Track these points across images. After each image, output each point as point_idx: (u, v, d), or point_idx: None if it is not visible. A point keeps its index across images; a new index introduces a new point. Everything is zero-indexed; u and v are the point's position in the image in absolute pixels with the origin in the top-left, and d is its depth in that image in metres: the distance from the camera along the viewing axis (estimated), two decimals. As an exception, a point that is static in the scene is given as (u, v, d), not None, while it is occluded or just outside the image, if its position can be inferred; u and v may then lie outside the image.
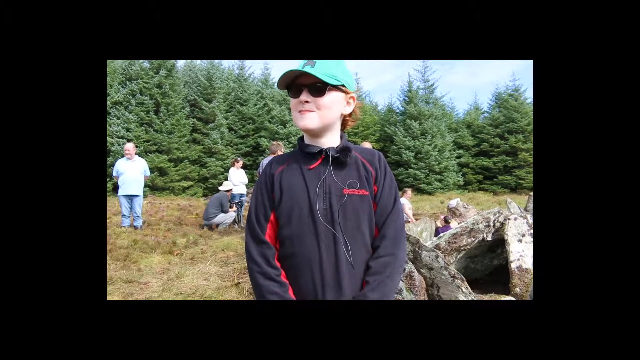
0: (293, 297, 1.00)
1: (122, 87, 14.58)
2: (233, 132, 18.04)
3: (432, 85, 20.49)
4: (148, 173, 7.02)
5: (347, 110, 1.10)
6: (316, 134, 1.07)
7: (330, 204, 1.01)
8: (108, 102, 13.94)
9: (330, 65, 1.02)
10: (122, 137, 13.31)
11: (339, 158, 1.04)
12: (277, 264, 1.04)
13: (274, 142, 6.15)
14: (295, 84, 1.03)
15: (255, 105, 18.74)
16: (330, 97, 1.02)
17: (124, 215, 6.57)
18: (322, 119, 1.03)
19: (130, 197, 6.55)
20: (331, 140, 1.08)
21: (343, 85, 1.04)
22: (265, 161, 5.78)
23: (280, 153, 5.81)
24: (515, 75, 23.20)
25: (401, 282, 2.62)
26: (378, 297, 0.98)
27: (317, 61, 1.01)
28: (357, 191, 1.03)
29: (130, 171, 6.57)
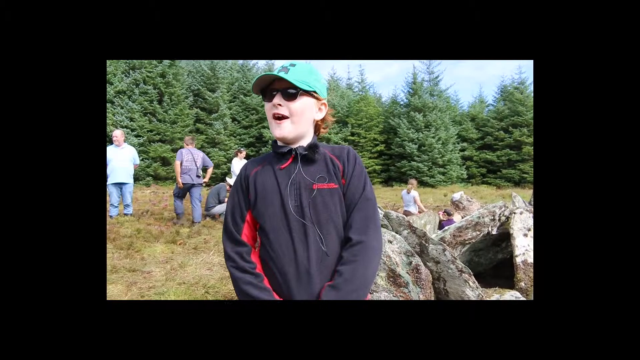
0: (268, 287, 1.05)
1: (126, 76, 14.52)
2: (236, 122, 18.01)
3: (437, 77, 20.33)
4: (137, 161, 6.86)
5: (319, 116, 1.16)
6: (291, 142, 1.12)
7: (301, 199, 1.07)
8: (111, 91, 13.88)
9: (304, 72, 1.08)
10: (125, 127, 13.30)
11: (307, 155, 1.10)
12: (253, 259, 1.09)
13: (189, 136, 6.46)
14: (269, 88, 1.10)
15: (259, 95, 18.63)
16: (302, 102, 1.08)
17: (112, 204, 6.40)
18: (296, 126, 1.09)
19: (120, 185, 6.42)
20: (304, 145, 1.14)
21: (315, 92, 1.10)
22: (182, 151, 6.42)
23: (187, 146, 6.51)
24: (521, 69, 22.81)
25: (407, 275, 2.60)
26: (350, 288, 0.99)
27: (291, 68, 1.07)
28: (326, 185, 1.08)
29: (119, 159, 6.39)
